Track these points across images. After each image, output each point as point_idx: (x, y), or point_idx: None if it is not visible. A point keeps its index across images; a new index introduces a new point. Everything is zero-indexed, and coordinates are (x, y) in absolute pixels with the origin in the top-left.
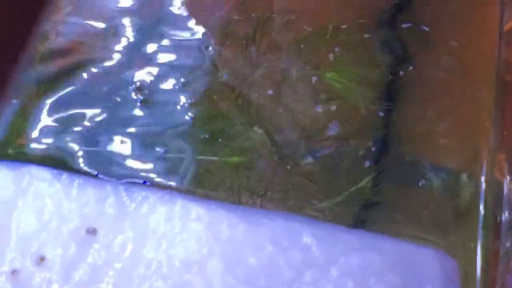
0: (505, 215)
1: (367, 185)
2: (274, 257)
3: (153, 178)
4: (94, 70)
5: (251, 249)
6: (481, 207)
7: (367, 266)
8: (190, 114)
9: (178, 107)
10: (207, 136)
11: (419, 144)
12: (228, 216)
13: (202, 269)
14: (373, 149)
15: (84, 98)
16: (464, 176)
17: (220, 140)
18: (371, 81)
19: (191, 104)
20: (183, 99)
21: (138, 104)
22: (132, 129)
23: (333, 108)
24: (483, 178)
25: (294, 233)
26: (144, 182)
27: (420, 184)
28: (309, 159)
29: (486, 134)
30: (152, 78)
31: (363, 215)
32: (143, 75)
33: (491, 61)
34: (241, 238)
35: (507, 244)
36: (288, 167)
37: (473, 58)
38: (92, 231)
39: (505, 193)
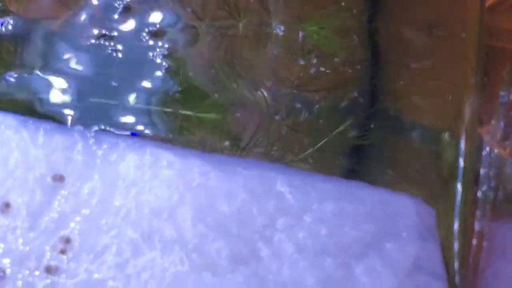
0: (483, 164)
1: (351, 133)
2: (246, 205)
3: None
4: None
5: (223, 196)
6: (461, 161)
7: (342, 213)
8: (166, 65)
9: (154, 59)
10: (182, 89)
11: (402, 100)
12: (200, 163)
13: (172, 217)
14: (359, 100)
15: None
16: (446, 136)
17: (198, 94)
18: (352, 32)
19: (168, 55)
20: (159, 49)
21: (111, 53)
22: (104, 78)
23: (317, 60)
24: (463, 136)
25: (269, 181)
26: (133, 134)
27: (405, 140)
28: (293, 111)
29: (468, 94)
30: (126, 28)
31: (355, 167)
32: (116, 25)
33: (474, 21)
34: (213, 185)
35: (485, 192)
36: (271, 119)
37: (455, 16)
38: (59, 178)
39: (485, 147)
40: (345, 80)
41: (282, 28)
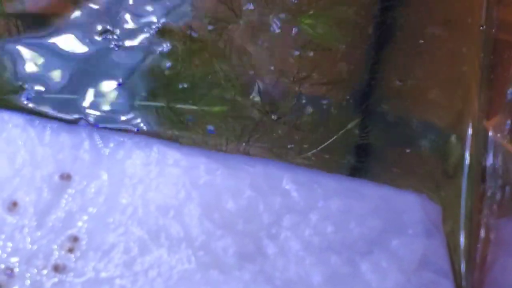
0: (489, 161)
1: (355, 131)
2: (253, 202)
3: (138, 125)
4: None
5: (230, 194)
6: (467, 156)
7: (347, 210)
8: (168, 61)
9: (154, 53)
10: (186, 85)
11: (405, 99)
12: (206, 161)
13: (179, 214)
14: (361, 99)
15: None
16: (453, 138)
17: (200, 88)
18: (354, 25)
19: (168, 52)
20: (159, 44)
21: (113, 48)
22: (107, 75)
23: (317, 55)
24: (470, 131)
25: (274, 179)
26: (138, 130)
27: (410, 138)
28: (295, 107)
29: (473, 91)
30: (127, 23)
31: (358, 165)
32: (117, 18)
33: (478, 18)
34: (219, 183)
35: (492, 188)
36: (273, 116)
37: (460, 14)
38: (66, 177)
39: (490, 140)
40: (344, 76)
41: (279, 23)
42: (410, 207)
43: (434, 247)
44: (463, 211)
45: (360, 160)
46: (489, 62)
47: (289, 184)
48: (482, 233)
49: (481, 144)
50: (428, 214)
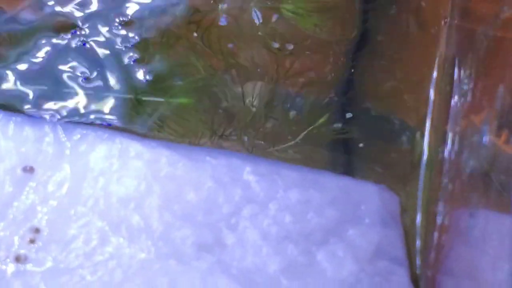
0: (447, 154)
1: (331, 127)
2: (213, 194)
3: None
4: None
5: (191, 186)
6: (425, 147)
7: (306, 201)
8: (138, 52)
9: (126, 44)
10: (154, 76)
11: (383, 96)
12: (168, 153)
13: (140, 206)
14: (338, 95)
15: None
16: (417, 134)
17: (174, 80)
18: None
19: (140, 42)
20: (131, 35)
21: (80, 41)
22: (73, 67)
23: (297, 48)
24: (428, 123)
25: (236, 170)
26: (108, 125)
27: (385, 135)
28: (272, 101)
29: (432, 88)
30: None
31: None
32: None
33: (445, 8)
34: (180, 175)
35: (447, 180)
36: (250, 108)
37: (430, 11)
38: (29, 170)
39: (450, 136)
40: (328, 69)
41: (260, 13)
42: (368, 198)
43: (390, 237)
44: (419, 202)
45: (336, 155)
46: (452, 59)
47: (250, 175)
48: (438, 223)
49: (440, 138)
50: (386, 205)
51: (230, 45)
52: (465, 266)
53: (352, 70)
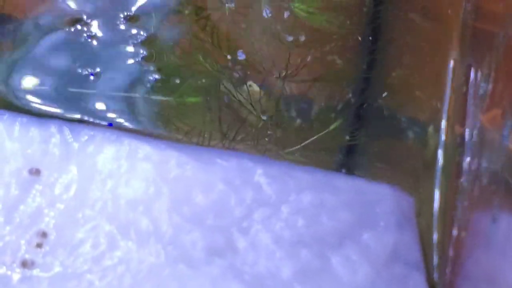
0: (466, 158)
1: (341, 132)
2: (224, 196)
3: (113, 119)
4: None
5: (201, 188)
6: (440, 152)
7: (319, 203)
8: (144, 50)
9: (131, 43)
10: (162, 74)
11: (394, 92)
12: (177, 155)
13: (148, 209)
14: (350, 99)
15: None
16: (430, 129)
17: (182, 79)
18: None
19: (145, 40)
20: (138, 32)
21: (87, 38)
22: (79, 65)
23: (309, 43)
24: (443, 124)
25: (247, 172)
26: (109, 124)
27: (396, 134)
28: (280, 101)
29: (449, 86)
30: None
31: (346, 162)
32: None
33: (458, 8)
34: (190, 177)
35: (466, 183)
36: (261, 114)
37: (442, 6)
38: (35, 172)
39: (468, 138)
40: (336, 69)
41: (269, 10)
42: (382, 200)
43: (406, 240)
44: (436, 205)
45: (344, 156)
46: (468, 56)
47: (261, 178)
48: (456, 227)
49: (455, 138)
50: (400, 207)
51: (238, 42)
52: (485, 270)
53: (365, 67)
